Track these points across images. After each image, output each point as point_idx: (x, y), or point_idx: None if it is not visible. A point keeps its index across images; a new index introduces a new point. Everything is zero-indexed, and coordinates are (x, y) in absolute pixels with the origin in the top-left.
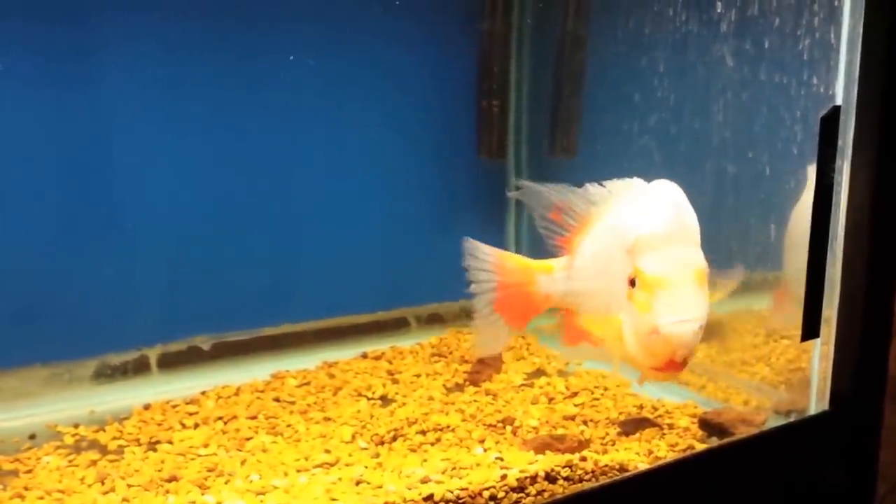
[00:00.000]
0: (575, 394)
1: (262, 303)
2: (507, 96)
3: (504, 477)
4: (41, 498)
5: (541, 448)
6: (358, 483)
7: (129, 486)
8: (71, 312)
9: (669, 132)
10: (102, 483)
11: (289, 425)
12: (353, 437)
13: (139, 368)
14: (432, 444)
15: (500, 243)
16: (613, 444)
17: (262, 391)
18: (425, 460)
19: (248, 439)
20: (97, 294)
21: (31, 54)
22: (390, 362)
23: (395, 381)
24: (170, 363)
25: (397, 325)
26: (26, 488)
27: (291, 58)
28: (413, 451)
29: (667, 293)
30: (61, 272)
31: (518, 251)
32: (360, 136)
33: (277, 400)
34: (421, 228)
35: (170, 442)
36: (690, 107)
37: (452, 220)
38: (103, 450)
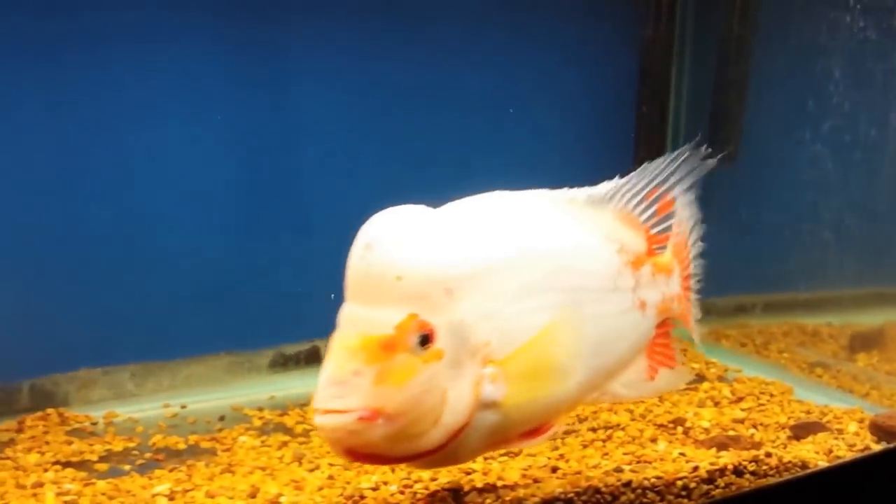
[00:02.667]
0: (741, 398)
1: None
2: (667, 103)
3: (696, 469)
4: (250, 472)
5: (718, 447)
6: (554, 470)
7: (331, 464)
8: (251, 306)
9: (843, 140)
10: (300, 462)
11: None
12: None
13: (311, 358)
14: (604, 441)
15: None
16: (786, 447)
17: None
18: (606, 454)
19: None
20: (275, 288)
21: (223, 54)
22: None
23: None
24: None
25: None
26: (231, 465)
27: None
28: (585, 446)
29: (322, 370)
30: (243, 268)
31: None
32: (517, 142)
33: None
34: None
35: None
36: (867, 114)
37: None
38: (290, 432)
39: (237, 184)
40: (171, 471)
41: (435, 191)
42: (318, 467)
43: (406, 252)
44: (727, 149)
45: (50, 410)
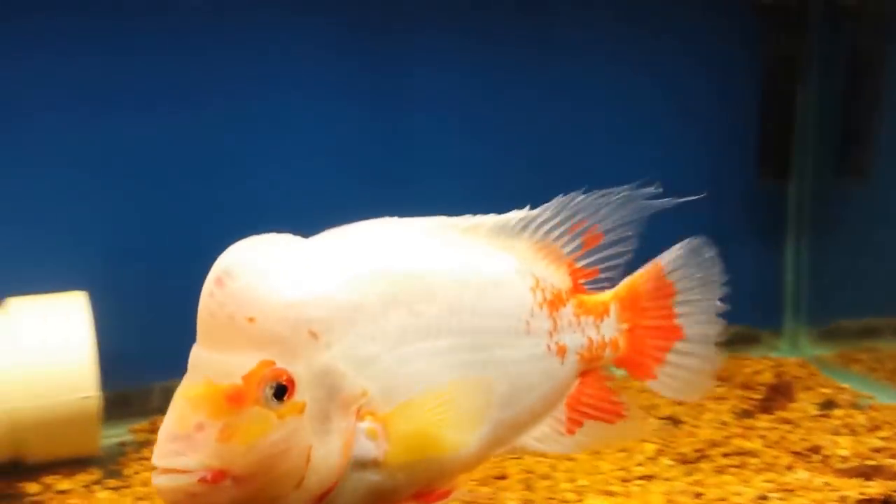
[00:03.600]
0: (878, 427)
1: None
2: (793, 119)
3: (844, 499)
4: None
5: (862, 477)
6: (697, 496)
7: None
8: None
9: None
10: None
11: None
12: (657, 453)
13: None
14: (737, 467)
15: (777, 269)
16: None
17: None
18: (746, 481)
19: None
20: None
21: (346, 66)
22: None
23: (679, 403)
24: None
25: None
26: None
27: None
28: (719, 472)
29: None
30: None
31: (798, 279)
32: (639, 154)
33: None
34: None
35: None
36: None
37: (728, 245)
38: None
39: (359, 195)
40: None
41: (555, 193)
42: None
43: (261, 289)
44: (859, 167)
45: None
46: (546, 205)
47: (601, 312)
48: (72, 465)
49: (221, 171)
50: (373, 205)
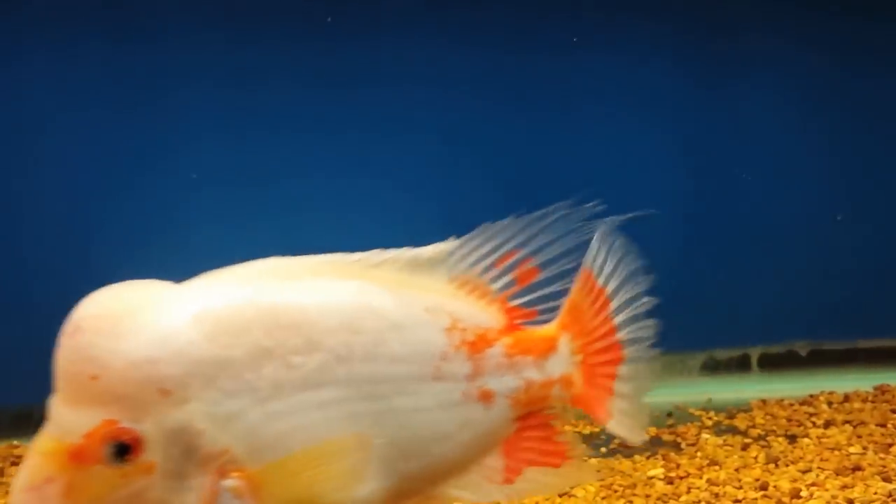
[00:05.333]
0: None
1: (859, 314)
2: None
3: None
4: (737, 469)
5: None
6: None
7: (822, 469)
8: (685, 309)
9: None
10: (776, 464)
11: None
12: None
13: (741, 365)
14: None
15: None
16: None
17: (871, 401)
18: None
19: (889, 445)
20: (710, 294)
21: (681, 67)
22: None
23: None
24: (769, 363)
25: None
26: (711, 459)
27: None
28: None
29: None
30: (682, 271)
31: None
32: None
33: (894, 411)
34: None
35: (806, 436)
36: None
37: None
38: (744, 434)
39: (685, 192)
40: (648, 458)
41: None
42: (809, 469)
43: (106, 346)
44: None
45: None
46: (470, 234)
47: (544, 349)
48: None
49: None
50: (698, 203)
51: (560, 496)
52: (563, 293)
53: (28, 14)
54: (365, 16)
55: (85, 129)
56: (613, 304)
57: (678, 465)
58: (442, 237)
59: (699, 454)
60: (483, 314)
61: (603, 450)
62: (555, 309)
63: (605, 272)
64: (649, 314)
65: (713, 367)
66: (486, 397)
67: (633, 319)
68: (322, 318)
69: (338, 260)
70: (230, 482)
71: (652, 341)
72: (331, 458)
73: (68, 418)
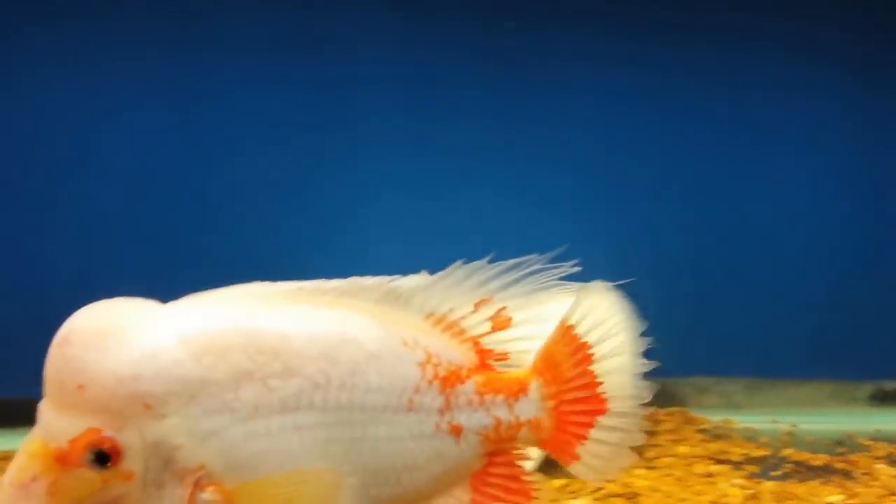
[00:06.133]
0: None
1: None
2: None
3: None
4: None
5: None
6: None
7: None
8: (853, 338)
9: None
10: None
11: None
12: None
13: None
14: None
15: None
16: None
17: None
18: None
19: None
20: (878, 323)
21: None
22: None
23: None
24: None
25: None
26: (889, 489)
27: None
28: None
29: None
30: (849, 301)
31: None
32: None
33: None
34: None
35: None
36: None
37: None
38: None
39: (852, 219)
40: (822, 484)
41: None
42: None
43: (95, 359)
44: None
45: (674, 409)
46: (443, 272)
47: (515, 391)
48: None
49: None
50: (865, 233)
51: None
52: (533, 341)
53: (229, 46)
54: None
55: (289, 141)
56: (596, 358)
57: (856, 494)
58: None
59: (875, 483)
60: (456, 352)
61: (775, 473)
62: (526, 353)
63: (587, 326)
64: (641, 375)
65: (881, 398)
66: (456, 431)
67: (619, 373)
68: (302, 345)
69: (316, 288)
70: (206, 495)
71: (642, 400)
72: (306, 485)
73: (55, 423)
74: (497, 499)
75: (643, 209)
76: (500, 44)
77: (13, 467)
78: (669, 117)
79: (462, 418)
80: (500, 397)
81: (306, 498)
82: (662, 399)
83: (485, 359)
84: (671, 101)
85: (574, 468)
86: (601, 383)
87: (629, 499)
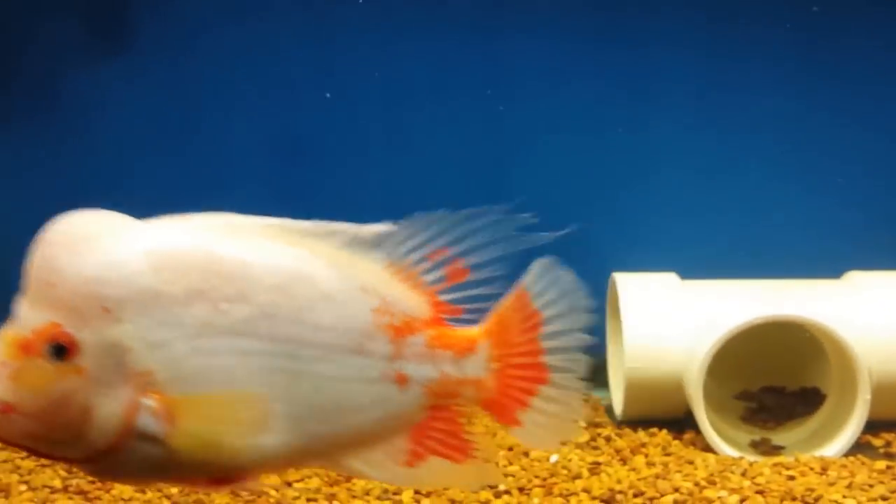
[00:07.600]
0: None
1: None
2: None
3: None
4: None
5: None
6: None
7: None
8: None
9: None
10: None
11: None
12: None
13: None
14: None
15: None
16: None
17: None
18: None
19: None
20: None
21: None
22: None
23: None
24: None
25: None
26: None
27: None
28: None
29: None
30: None
31: None
32: None
33: None
34: None
35: None
36: None
37: None
38: None
39: None
40: None
41: None
42: None
43: (66, 259)
44: None
45: None
46: (405, 221)
47: (464, 349)
48: None
49: None
50: None
51: None
52: (488, 297)
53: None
54: None
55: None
56: (546, 330)
57: None
58: None
59: None
60: (412, 303)
61: None
62: (479, 312)
63: (545, 299)
64: (582, 349)
65: None
66: (402, 380)
67: (565, 350)
68: (259, 275)
69: (286, 226)
70: (149, 401)
71: (581, 374)
72: (242, 405)
73: (26, 315)
74: (435, 451)
75: None
76: None
77: None
78: None
79: (409, 368)
80: (448, 353)
81: (238, 419)
82: None
83: (438, 312)
84: None
85: (516, 433)
86: (546, 353)
87: None
